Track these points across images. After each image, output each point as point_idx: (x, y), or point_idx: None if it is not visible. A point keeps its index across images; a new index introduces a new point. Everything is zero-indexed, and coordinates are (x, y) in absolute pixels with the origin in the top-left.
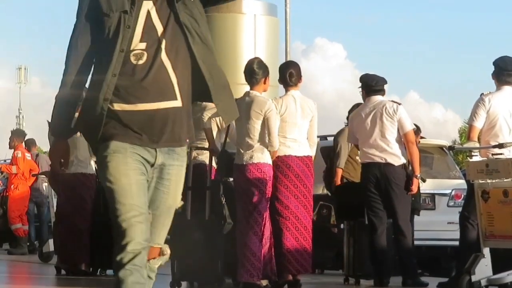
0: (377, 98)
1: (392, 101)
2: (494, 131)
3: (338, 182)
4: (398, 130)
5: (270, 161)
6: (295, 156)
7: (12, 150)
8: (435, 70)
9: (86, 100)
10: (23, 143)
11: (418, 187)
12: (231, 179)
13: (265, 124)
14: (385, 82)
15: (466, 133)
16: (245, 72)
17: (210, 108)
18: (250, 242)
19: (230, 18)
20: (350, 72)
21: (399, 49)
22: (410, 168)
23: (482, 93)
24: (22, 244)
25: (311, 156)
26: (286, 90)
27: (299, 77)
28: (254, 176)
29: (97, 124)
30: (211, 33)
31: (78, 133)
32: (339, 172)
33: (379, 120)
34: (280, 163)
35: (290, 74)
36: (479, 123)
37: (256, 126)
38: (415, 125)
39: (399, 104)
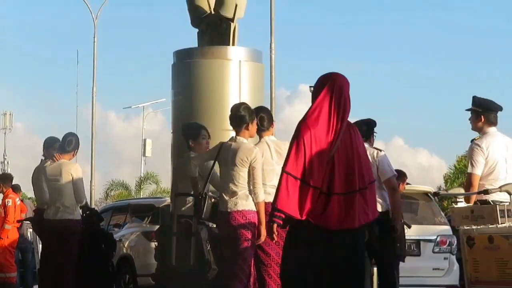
0: None
1: (374, 148)
2: (492, 177)
3: None
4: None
5: (254, 208)
6: None
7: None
8: (420, 116)
9: None
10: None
11: (404, 233)
12: (212, 224)
13: (250, 172)
14: (372, 126)
15: (465, 181)
16: (230, 117)
17: (196, 157)
18: None
19: (216, 64)
20: None
21: (382, 95)
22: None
23: (474, 139)
24: None
25: None
26: (260, 136)
27: (270, 121)
28: (239, 223)
29: None
30: (196, 80)
31: (63, 180)
32: None
33: None
34: None
35: (261, 118)
36: (479, 171)
37: (241, 173)
38: (400, 171)
39: (381, 151)
